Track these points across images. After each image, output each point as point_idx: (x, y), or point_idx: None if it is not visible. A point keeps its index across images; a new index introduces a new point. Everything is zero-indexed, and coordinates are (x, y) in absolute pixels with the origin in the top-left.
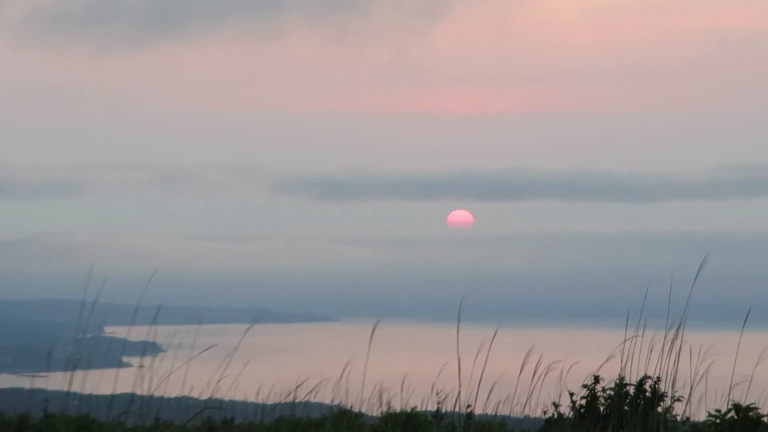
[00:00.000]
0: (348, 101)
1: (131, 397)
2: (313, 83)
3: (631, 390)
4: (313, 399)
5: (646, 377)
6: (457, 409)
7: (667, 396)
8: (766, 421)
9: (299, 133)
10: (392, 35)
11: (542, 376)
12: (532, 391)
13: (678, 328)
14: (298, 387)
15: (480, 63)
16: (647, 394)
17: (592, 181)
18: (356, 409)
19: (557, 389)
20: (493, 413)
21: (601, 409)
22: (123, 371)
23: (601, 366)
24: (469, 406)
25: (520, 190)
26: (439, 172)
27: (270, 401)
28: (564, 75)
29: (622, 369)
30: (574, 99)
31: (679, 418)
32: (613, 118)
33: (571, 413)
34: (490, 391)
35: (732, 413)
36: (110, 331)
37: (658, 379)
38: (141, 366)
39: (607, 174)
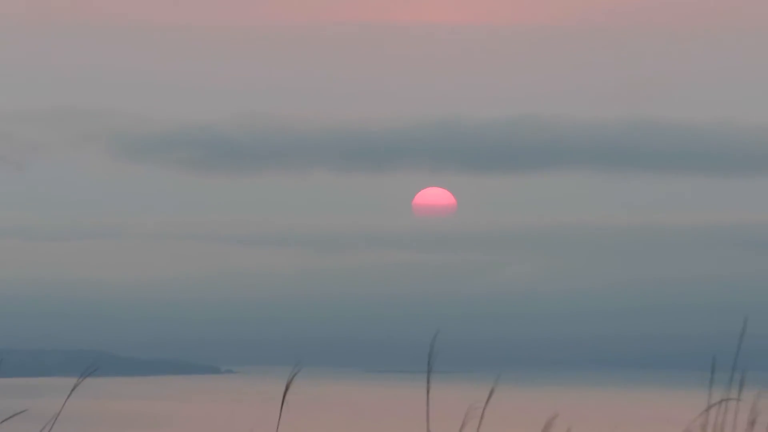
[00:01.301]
0: (245, 9)
1: None
2: None
3: None
4: None
5: None
6: None
7: None
8: None
9: (161, 62)
10: None
11: None
12: None
13: None
14: None
15: None
16: None
17: (651, 138)
18: None
19: None
20: None
21: None
22: None
23: None
24: None
25: (533, 154)
26: (400, 124)
27: None
28: None
29: None
30: (615, 4)
31: None
32: (684, 33)
33: None
34: None
35: None
36: None
37: None
38: None
39: (675, 126)
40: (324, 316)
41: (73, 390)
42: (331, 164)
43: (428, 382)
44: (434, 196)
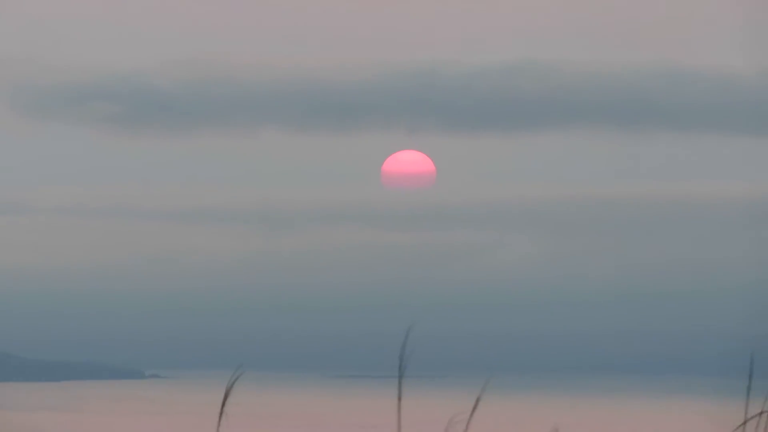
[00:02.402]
0: None
1: None
2: None
3: None
4: None
5: None
6: None
7: None
8: None
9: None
10: None
11: None
12: None
13: None
14: None
15: None
16: None
17: (674, 90)
18: None
19: None
20: None
21: None
22: None
23: None
24: None
25: (530, 110)
26: (368, 74)
27: None
28: None
29: None
30: None
31: None
32: None
33: None
34: None
35: None
36: None
37: None
38: None
39: (704, 75)
40: (272, 310)
41: None
42: (284, 122)
43: (400, 389)
44: (409, 162)
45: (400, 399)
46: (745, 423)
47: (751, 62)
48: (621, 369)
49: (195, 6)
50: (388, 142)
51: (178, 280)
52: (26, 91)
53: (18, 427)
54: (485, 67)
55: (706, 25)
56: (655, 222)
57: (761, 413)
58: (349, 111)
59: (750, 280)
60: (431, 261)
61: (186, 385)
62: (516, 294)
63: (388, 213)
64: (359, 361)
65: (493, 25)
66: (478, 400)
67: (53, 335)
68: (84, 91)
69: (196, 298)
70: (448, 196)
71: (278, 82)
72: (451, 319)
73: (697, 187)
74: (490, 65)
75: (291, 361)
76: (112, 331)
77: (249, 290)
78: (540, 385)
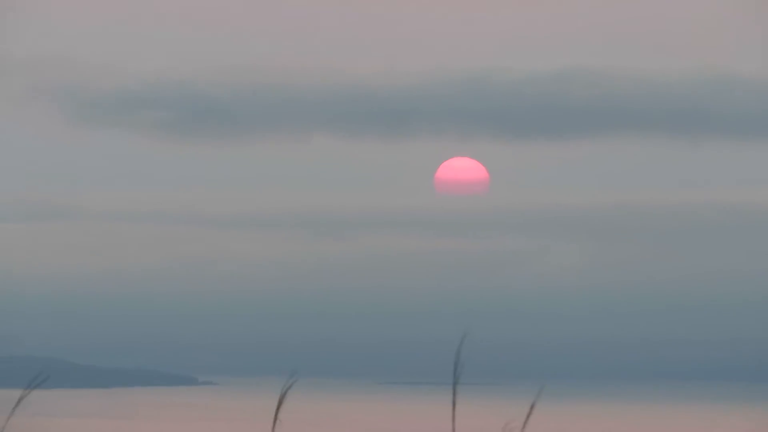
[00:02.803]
0: None
1: None
2: None
3: None
4: None
5: None
6: None
7: None
8: None
9: (128, 2)
10: None
11: None
12: None
13: None
14: None
15: None
16: None
17: (729, 97)
18: None
19: None
20: None
21: None
22: None
23: None
24: None
25: (583, 117)
26: (420, 80)
27: None
28: None
29: None
30: None
31: None
32: None
33: None
34: None
35: None
36: None
37: None
38: None
39: (759, 83)
40: (325, 316)
41: (17, 404)
42: (335, 129)
43: (454, 395)
44: (462, 169)
45: (454, 406)
46: None
47: None
48: (673, 376)
49: (246, 13)
50: (440, 149)
51: (231, 286)
52: (77, 97)
53: None
54: (536, 73)
55: (754, 31)
56: (706, 229)
57: None
58: (401, 117)
59: None
60: (484, 268)
61: (239, 391)
62: (568, 301)
63: (442, 220)
64: (413, 367)
65: (544, 31)
66: (532, 407)
67: (104, 341)
68: (135, 97)
69: (249, 304)
70: (501, 202)
71: (330, 88)
72: (505, 326)
73: (747, 194)
74: (541, 72)
75: (344, 368)
76: (165, 337)
77: (302, 296)
78: (593, 392)
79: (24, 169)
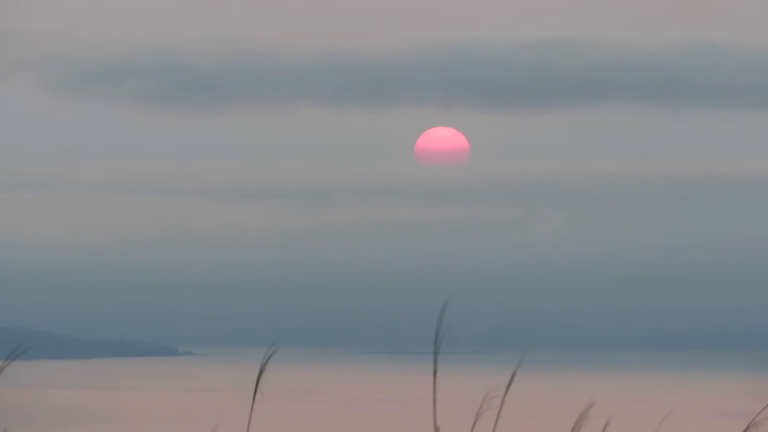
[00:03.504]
0: None
1: None
2: None
3: None
4: None
5: None
6: None
7: None
8: None
9: None
10: None
11: None
12: None
13: None
14: None
15: None
16: None
17: (713, 66)
18: None
19: None
20: None
21: None
22: None
23: None
24: None
25: (566, 86)
26: (402, 50)
27: None
28: None
29: None
30: None
31: None
32: None
33: None
34: None
35: None
36: None
37: None
38: None
39: (744, 51)
40: (307, 286)
41: None
42: (319, 98)
43: (435, 365)
44: (442, 138)
45: (435, 375)
46: None
47: None
48: (657, 344)
49: None
50: (423, 118)
51: (212, 257)
52: (59, 67)
53: (51, 405)
54: (519, 43)
55: (739, 1)
56: (690, 198)
57: None
58: (384, 87)
59: None
60: (465, 236)
61: (220, 362)
62: (550, 269)
63: (422, 189)
64: (395, 336)
65: (525, 1)
66: (513, 376)
67: (85, 312)
68: (118, 67)
69: (230, 274)
70: (481, 172)
71: (313, 59)
72: (486, 295)
73: (730, 163)
74: (524, 42)
75: (325, 337)
76: (146, 308)
77: (283, 266)
78: (575, 360)
79: (6, 138)
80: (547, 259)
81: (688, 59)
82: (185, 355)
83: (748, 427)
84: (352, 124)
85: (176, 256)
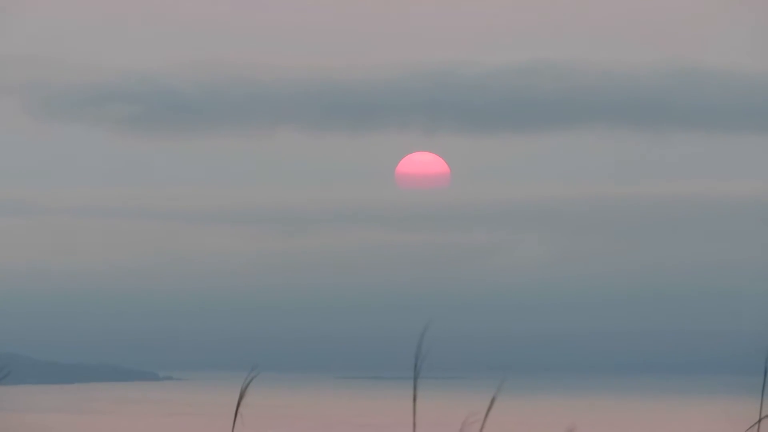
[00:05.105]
0: None
1: None
2: None
3: None
4: None
5: None
6: None
7: None
8: None
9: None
10: None
11: None
12: None
13: None
14: None
15: None
16: None
17: (693, 90)
18: None
19: None
20: None
21: None
22: None
23: None
24: None
25: (546, 110)
26: (384, 74)
27: None
28: None
29: None
30: None
31: None
32: None
33: None
34: None
35: None
36: None
37: None
38: None
39: (722, 75)
40: (287, 311)
41: None
42: (300, 123)
43: (415, 389)
44: (423, 163)
45: (415, 399)
46: (759, 421)
47: (765, 61)
48: (637, 369)
49: (211, 6)
50: (404, 143)
51: (192, 282)
52: (42, 92)
53: (31, 429)
54: (500, 67)
55: (721, 24)
56: (670, 222)
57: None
58: (365, 111)
59: (766, 279)
60: (446, 261)
61: (200, 386)
62: (530, 294)
63: (403, 214)
64: (374, 361)
65: (507, 25)
66: (493, 401)
67: (66, 337)
68: (100, 92)
69: (210, 299)
70: (462, 196)
71: (295, 83)
72: (466, 320)
73: (712, 186)
74: (505, 65)
75: (306, 362)
76: (126, 333)
77: (263, 291)
78: (555, 385)
79: None
80: (528, 283)
81: (670, 82)
82: (166, 380)
83: None
84: (334, 148)
85: (157, 280)
